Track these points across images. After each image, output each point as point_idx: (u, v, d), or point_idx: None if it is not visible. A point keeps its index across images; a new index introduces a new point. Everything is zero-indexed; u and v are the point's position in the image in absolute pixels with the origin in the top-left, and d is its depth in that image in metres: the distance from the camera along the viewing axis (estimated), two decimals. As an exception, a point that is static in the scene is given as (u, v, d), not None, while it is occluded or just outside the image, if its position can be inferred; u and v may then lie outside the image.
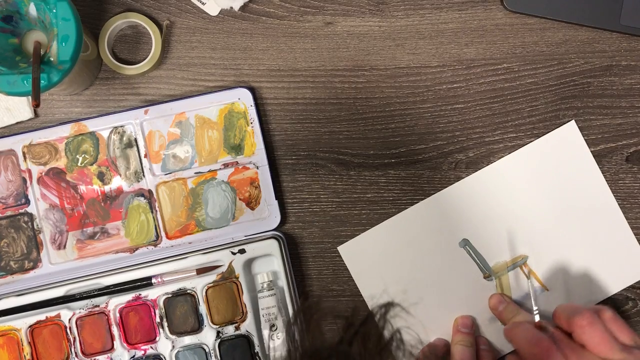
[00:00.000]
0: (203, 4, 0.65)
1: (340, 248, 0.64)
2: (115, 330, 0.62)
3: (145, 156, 0.64)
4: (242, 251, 0.62)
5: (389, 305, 0.43)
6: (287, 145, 0.65)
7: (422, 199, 0.65)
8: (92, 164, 0.64)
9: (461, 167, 0.65)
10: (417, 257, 0.64)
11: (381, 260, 0.64)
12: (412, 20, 0.65)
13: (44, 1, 0.55)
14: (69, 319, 0.62)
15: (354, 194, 0.65)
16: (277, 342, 0.61)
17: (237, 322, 0.62)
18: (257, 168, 0.64)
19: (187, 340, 0.62)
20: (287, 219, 0.65)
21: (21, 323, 0.62)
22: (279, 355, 0.61)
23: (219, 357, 0.62)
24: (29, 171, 0.64)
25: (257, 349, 0.62)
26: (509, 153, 0.65)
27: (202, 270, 0.62)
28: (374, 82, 0.65)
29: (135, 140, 0.64)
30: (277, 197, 0.63)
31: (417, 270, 0.64)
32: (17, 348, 0.62)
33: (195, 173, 0.64)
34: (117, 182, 0.64)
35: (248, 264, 0.63)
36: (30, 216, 0.64)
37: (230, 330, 0.62)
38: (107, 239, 0.64)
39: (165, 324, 0.62)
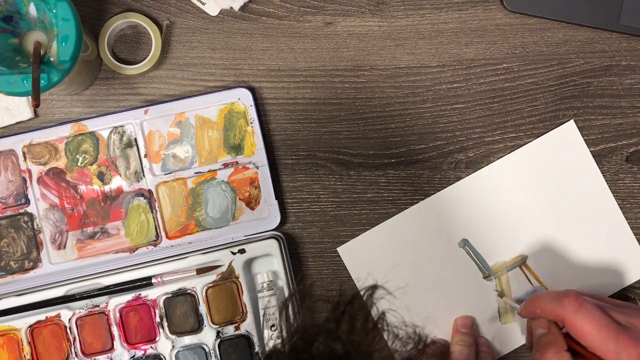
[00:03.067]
0: (203, 4, 0.65)
1: (340, 249, 0.64)
2: (115, 330, 0.62)
3: (145, 156, 0.64)
4: (242, 251, 0.62)
5: (374, 288, 0.44)
6: (287, 145, 0.65)
7: (422, 199, 0.65)
8: (92, 164, 0.64)
9: (461, 167, 0.65)
10: (416, 257, 0.64)
11: (381, 261, 0.64)
12: (412, 20, 0.65)
13: (44, 1, 0.55)
14: (69, 319, 0.62)
15: (354, 194, 0.65)
16: (277, 342, 0.61)
17: (237, 322, 0.62)
18: (257, 168, 0.64)
19: (187, 340, 0.62)
20: (287, 219, 0.65)
21: (21, 323, 0.62)
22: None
23: (219, 357, 0.62)
24: (29, 171, 0.64)
25: (257, 349, 0.62)
26: (509, 153, 0.65)
27: (202, 270, 0.62)
28: (374, 82, 0.65)
29: (135, 140, 0.64)
30: (277, 197, 0.63)
31: (416, 271, 0.64)
32: (17, 348, 0.62)
33: (195, 173, 0.64)
34: (117, 182, 0.64)
35: (248, 264, 0.63)
36: (30, 216, 0.64)
37: (230, 330, 0.62)
38: (107, 239, 0.64)
39: (165, 324, 0.62)
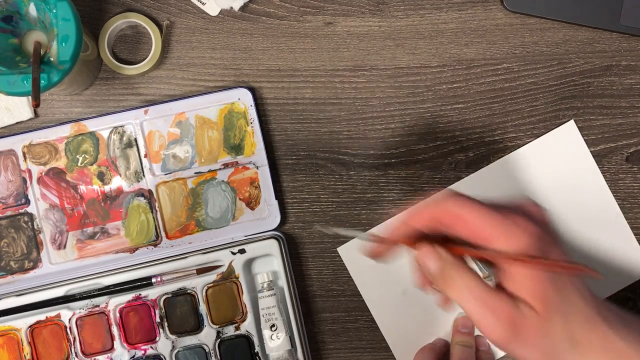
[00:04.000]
0: (203, 4, 0.65)
1: (340, 249, 0.64)
2: (115, 330, 0.62)
3: (145, 156, 0.64)
4: (242, 251, 0.62)
5: None
6: (287, 145, 0.65)
7: (422, 199, 0.65)
8: (92, 164, 0.64)
9: (461, 167, 0.65)
10: (417, 257, 0.64)
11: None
12: (412, 20, 0.65)
13: (44, 1, 0.55)
14: (69, 319, 0.62)
15: (354, 194, 0.65)
16: (277, 342, 0.61)
17: (237, 322, 0.62)
18: (257, 168, 0.64)
19: (187, 340, 0.62)
20: (287, 219, 0.65)
21: (21, 323, 0.62)
22: (279, 355, 0.61)
23: (219, 357, 0.62)
24: (29, 171, 0.64)
25: (257, 349, 0.62)
26: (509, 153, 0.65)
27: (202, 270, 0.62)
28: (374, 82, 0.65)
29: (135, 140, 0.64)
30: (277, 197, 0.63)
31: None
32: (17, 348, 0.62)
33: (195, 173, 0.64)
34: (117, 182, 0.64)
35: (248, 264, 0.63)
36: (30, 216, 0.64)
37: (230, 330, 0.62)
38: (107, 239, 0.64)
39: (165, 324, 0.62)
